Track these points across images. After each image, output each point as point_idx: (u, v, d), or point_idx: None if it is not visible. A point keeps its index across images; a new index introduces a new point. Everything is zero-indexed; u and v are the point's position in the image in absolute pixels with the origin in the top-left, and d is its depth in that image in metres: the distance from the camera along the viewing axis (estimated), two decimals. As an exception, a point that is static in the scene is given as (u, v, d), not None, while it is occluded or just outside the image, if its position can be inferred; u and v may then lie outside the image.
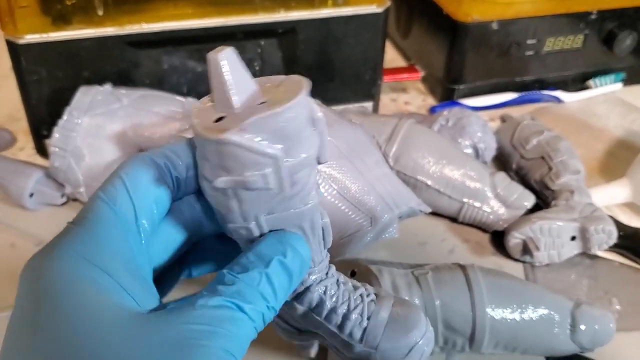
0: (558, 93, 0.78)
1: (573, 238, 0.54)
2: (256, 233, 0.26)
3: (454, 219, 0.59)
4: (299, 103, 0.24)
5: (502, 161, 0.65)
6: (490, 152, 0.62)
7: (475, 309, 0.41)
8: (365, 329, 0.30)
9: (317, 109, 0.26)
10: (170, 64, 0.64)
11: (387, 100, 0.79)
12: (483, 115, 0.75)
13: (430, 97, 0.80)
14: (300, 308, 0.30)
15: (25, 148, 0.68)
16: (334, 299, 0.30)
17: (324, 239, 0.29)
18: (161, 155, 0.26)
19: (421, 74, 0.78)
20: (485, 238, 0.58)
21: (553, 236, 0.53)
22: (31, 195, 0.58)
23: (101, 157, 0.56)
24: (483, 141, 0.61)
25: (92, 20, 0.59)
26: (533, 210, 0.56)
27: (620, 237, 0.55)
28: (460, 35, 0.72)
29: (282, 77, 0.26)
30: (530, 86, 0.78)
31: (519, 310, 0.42)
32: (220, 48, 0.24)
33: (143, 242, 0.25)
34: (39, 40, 0.58)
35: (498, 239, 0.57)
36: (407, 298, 0.41)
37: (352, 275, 0.42)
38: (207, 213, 0.28)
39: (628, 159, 0.64)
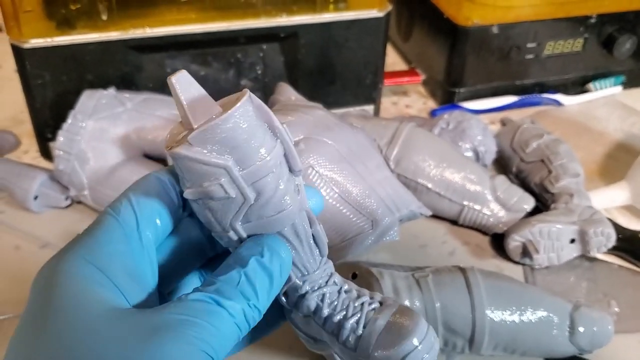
0: (558, 96, 0.79)
1: (572, 241, 0.54)
2: (235, 240, 0.28)
3: (454, 222, 0.59)
4: (234, 114, 0.25)
5: (502, 164, 0.66)
6: (490, 155, 0.63)
7: (474, 311, 0.42)
8: (359, 337, 0.30)
9: (275, 119, 0.27)
10: (173, 67, 0.64)
11: (388, 103, 0.80)
12: (483, 118, 0.76)
13: (431, 100, 0.80)
14: (299, 315, 0.31)
15: (29, 151, 0.69)
16: (331, 307, 0.31)
17: (317, 246, 0.29)
18: (166, 173, 0.28)
19: (422, 77, 0.79)
20: (485, 241, 0.58)
21: (552, 239, 0.53)
22: (35, 197, 0.58)
23: (105, 160, 0.57)
24: (483, 144, 0.62)
25: (96, 25, 0.60)
26: (533, 213, 0.57)
27: (619, 239, 0.55)
28: (460, 39, 0.72)
29: (239, 93, 0.27)
30: (531, 89, 0.79)
31: (518, 312, 0.43)
32: (178, 72, 0.26)
33: (145, 249, 0.27)
34: (43, 45, 0.58)
35: (498, 241, 0.57)
36: (407, 300, 0.42)
37: (354, 277, 0.42)
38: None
39: (627, 162, 0.64)
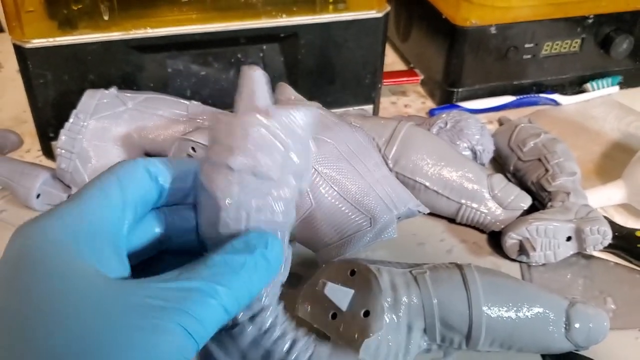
0: (555, 96, 0.79)
1: (569, 238, 0.55)
2: (236, 228, 0.28)
3: (452, 220, 0.60)
4: (307, 112, 0.28)
5: (499, 163, 0.67)
6: (488, 154, 0.63)
7: (471, 308, 0.42)
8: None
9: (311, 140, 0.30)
10: (175, 67, 0.65)
11: (387, 103, 0.80)
12: (481, 117, 0.77)
13: (429, 100, 0.81)
14: (253, 330, 0.32)
15: (31, 150, 0.70)
16: (283, 326, 0.32)
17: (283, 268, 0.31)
18: (155, 164, 0.29)
19: (420, 77, 0.79)
20: (483, 238, 0.59)
21: (549, 237, 0.54)
22: (38, 196, 0.59)
23: (107, 159, 0.57)
24: (481, 143, 0.63)
25: (98, 25, 0.60)
26: (530, 212, 0.58)
27: (615, 237, 0.56)
28: (458, 40, 0.73)
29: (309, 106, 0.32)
30: (528, 89, 0.79)
31: (515, 308, 0.43)
32: (255, 67, 0.29)
33: (124, 231, 0.27)
34: (45, 45, 0.59)
35: (495, 239, 0.58)
36: (405, 297, 0.42)
37: (352, 274, 0.43)
38: (179, 226, 0.31)
39: (624, 161, 0.65)
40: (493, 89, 0.78)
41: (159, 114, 0.59)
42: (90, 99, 0.58)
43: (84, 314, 0.23)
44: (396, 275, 0.43)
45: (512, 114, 0.77)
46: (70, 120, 0.57)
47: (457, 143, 0.62)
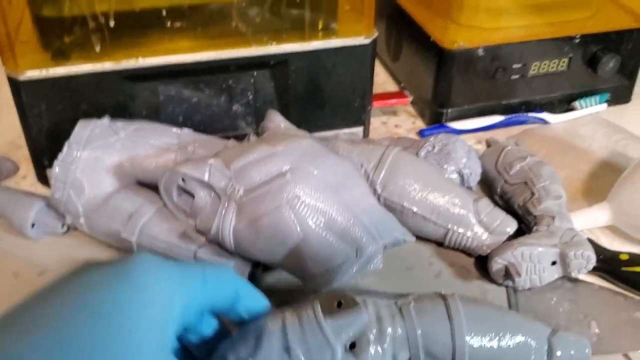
0: (544, 115, 0.80)
1: (554, 263, 0.56)
2: None
3: (440, 244, 0.61)
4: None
5: (487, 185, 0.68)
6: (475, 177, 0.64)
7: (454, 338, 0.43)
8: None
9: None
10: (167, 94, 0.66)
11: (378, 123, 0.81)
12: (471, 137, 0.78)
13: (419, 120, 0.82)
14: None
15: (27, 176, 0.71)
16: None
17: None
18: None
19: (409, 98, 0.80)
20: (470, 262, 0.60)
21: (534, 261, 0.55)
22: (33, 225, 0.60)
23: (100, 188, 0.58)
24: (468, 167, 0.64)
25: (90, 56, 0.61)
26: (517, 234, 0.59)
27: (600, 260, 0.57)
28: (446, 62, 0.74)
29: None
30: (517, 108, 0.80)
31: (497, 338, 0.44)
32: None
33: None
34: (38, 76, 0.60)
35: (483, 263, 0.59)
36: (390, 328, 0.43)
37: (339, 306, 0.44)
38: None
39: (611, 181, 0.66)
40: (482, 109, 0.79)
41: (151, 143, 0.60)
42: (83, 129, 0.59)
43: None
44: (382, 307, 0.44)
45: (501, 133, 0.78)
46: (64, 151, 0.58)
47: (445, 166, 0.63)
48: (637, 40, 0.80)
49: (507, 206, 0.63)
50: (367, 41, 0.67)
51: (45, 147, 0.64)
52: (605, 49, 0.79)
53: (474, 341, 0.44)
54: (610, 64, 0.79)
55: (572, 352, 0.45)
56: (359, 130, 0.74)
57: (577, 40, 0.77)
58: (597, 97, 0.82)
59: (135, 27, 0.63)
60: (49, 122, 0.63)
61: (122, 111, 0.64)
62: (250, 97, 0.69)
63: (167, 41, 0.64)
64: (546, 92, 0.81)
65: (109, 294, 0.28)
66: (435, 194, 0.59)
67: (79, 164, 0.58)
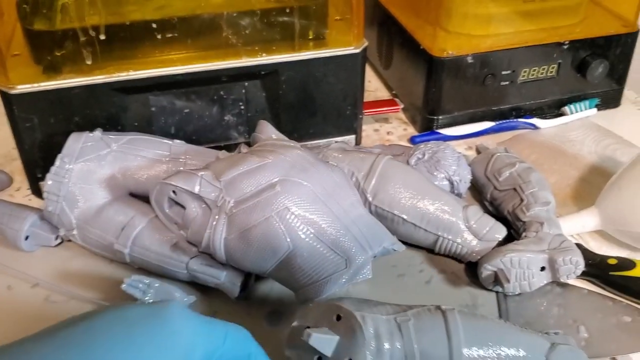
0: (534, 120, 0.81)
1: (543, 268, 0.56)
2: None
3: (431, 250, 0.61)
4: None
5: (478, 191, 0.68)
6: (465, 184, 0.65)
7: (452, 354, 0.43)
8: None
9: None
10: (158, 106, 0.67)
11: (370, 130, 0.82)
12: (462, 144, 0.78)
13: (411, 126, 0.83)
14: None
15: (21, 188, 0.71)
16: None
17: None
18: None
19: (400, 106, 0.81)
20: (461, 268, 0.60)
21: (523, 267, 0.56)
22: (26, 237, 0.60)
23: (92, 200, 0.59)
24: (458, 174, 0.64)
25: (81, 69, 0.62)
26: (507, 240, 0.59)
27: (588, 265, 0.58)
28: (436, 69, 0.75)
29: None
30: (507, 114, 0.81)
31: (496, 354, 0.44)
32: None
33: None
34: (30, 90, 0.61)
35: (473, 269, 0.59)
36: (388, 344, 0.42)
37: (338, 319, 0.43)
38: None
39: (600, 186, 0.66)
40: (473, 115, 0.80)
41: (142, 155, 0.60)
42: (75, 142, 0.59)
43: None
44: (380, 324, 0.44)
45: (491, 139, 0.79)
46: (56, 164, 0.58)
47: (435, 174, 0.64)
48: (625, 45, 0.81)
49: (497, 212, 0.64)
50: (357, 50, 0.67)
51: (38, 159, 0.64)
52: (594, 54, 0.79)
53: (472, 358, 0.44)
54: (599, 69, 0.80)
55: None
56: (351, 138, 0.75)
57: (566, 46, 0.78)
58: (587, 102, 0.83)
59: (126, 40, 0.63)
60: (42, 135, 0.63)
61: (114, 123, 0.65)
62: (242, 107, 0.69)
63: (158, 53, 0.65)
64: (536, 98, 0.81)
65: (145, 328, 0.33)
66: (425, 201, 0.59)
67: (72, 176, 0.58)
